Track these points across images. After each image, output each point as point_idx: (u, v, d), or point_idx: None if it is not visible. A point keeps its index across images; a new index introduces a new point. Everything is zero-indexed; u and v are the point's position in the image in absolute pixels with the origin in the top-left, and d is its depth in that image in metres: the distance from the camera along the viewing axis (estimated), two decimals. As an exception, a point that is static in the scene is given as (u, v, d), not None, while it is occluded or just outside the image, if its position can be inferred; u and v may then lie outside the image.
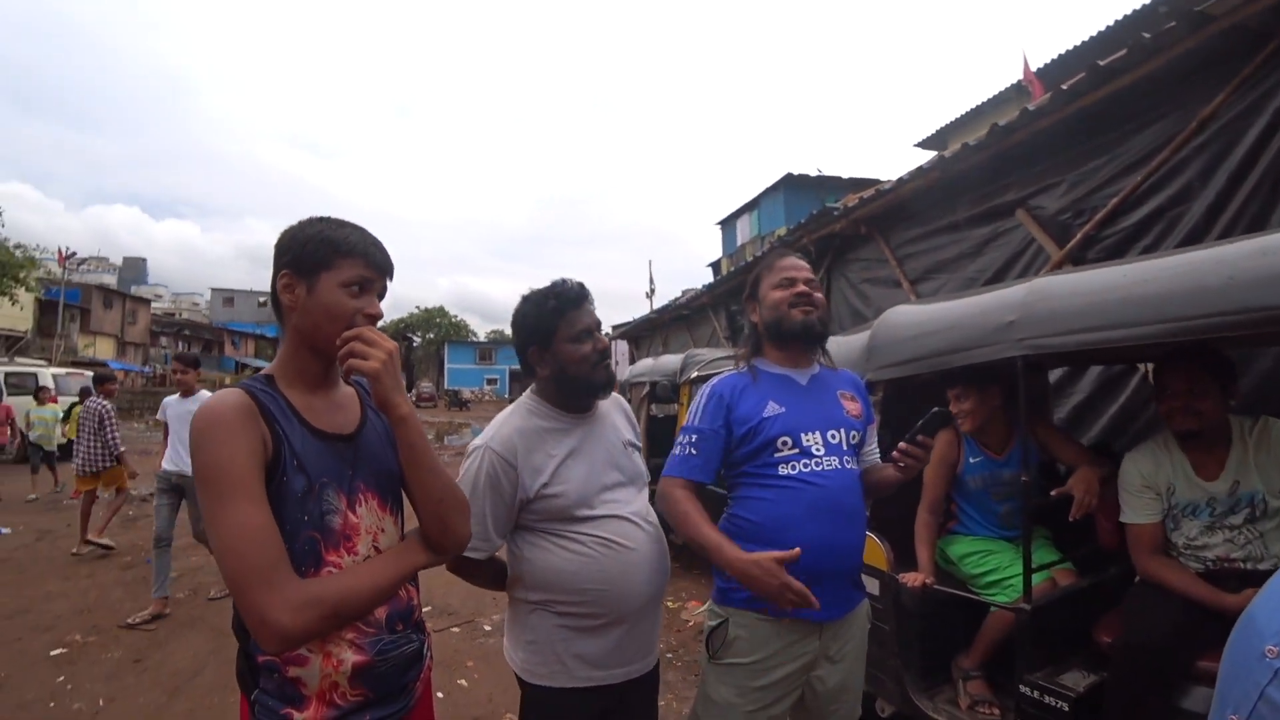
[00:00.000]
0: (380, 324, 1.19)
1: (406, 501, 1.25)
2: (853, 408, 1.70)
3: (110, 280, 50.59)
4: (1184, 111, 3.09)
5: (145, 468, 7.57)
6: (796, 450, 1.58)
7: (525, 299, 1.61)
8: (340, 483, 1.14)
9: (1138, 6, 9.03)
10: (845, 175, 17.40)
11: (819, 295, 1.69)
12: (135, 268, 76.97)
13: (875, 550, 2.45)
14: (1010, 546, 2.42)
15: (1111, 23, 9.54)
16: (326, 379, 1.21)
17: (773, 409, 1.60)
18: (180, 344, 42.96)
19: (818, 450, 1.59)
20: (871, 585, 2.40)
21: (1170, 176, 3.14)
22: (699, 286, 11.35)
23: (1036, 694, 1.93)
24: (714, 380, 1.71)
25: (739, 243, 20.29)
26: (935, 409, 1.60)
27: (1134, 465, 2.05)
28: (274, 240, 1.20)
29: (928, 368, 2.44)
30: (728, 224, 21.42)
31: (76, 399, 9.42)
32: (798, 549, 1.30)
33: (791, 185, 17.73)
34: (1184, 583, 1.87)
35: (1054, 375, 3.64)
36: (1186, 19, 2.86)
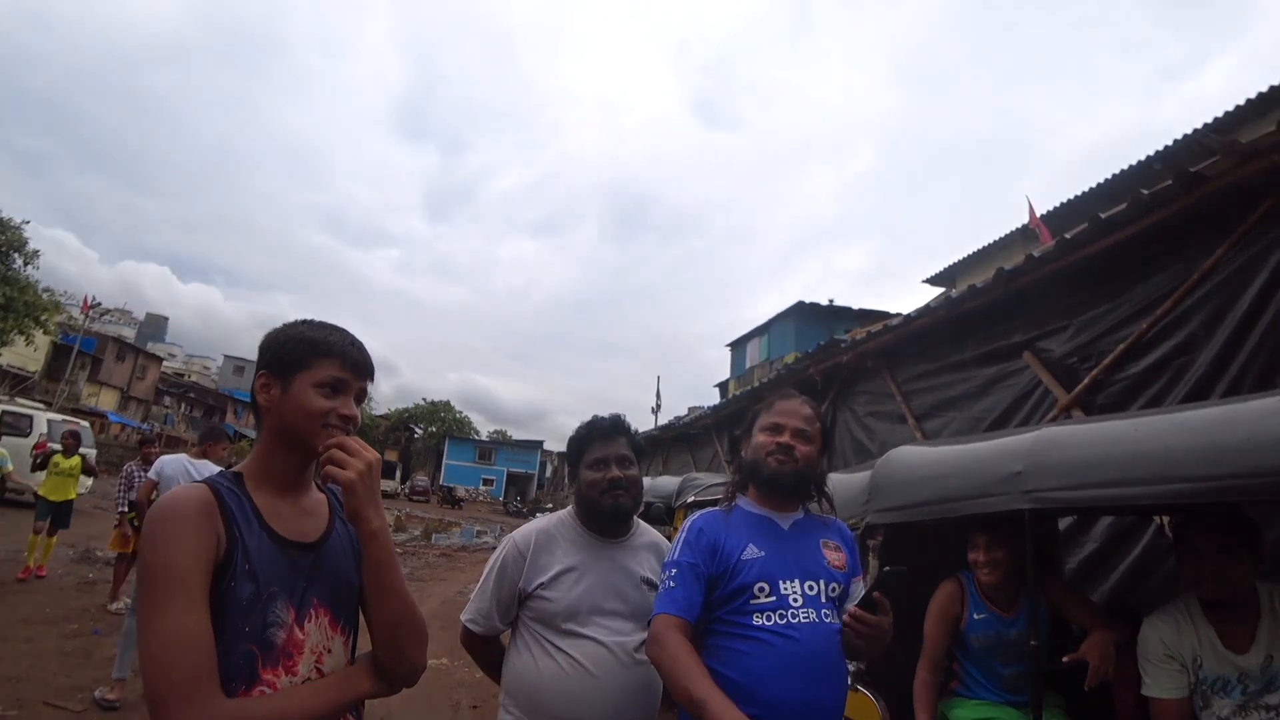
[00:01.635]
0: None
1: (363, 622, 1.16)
2: (835, 558, 1.62)
3: (129, 333, 50.97)
4: (1185, 264, 3.13)
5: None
6: (774, 598, 1.50)
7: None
8: (291, 595, 1.06)
9: (1133, 162, 9.53)
10: (856, 306, 17.84)
11: (803, 449, 1.63)
12: (156, 324, 78.67)
13: (870, 709, 2.22)
14: (1018, 714, 2.18)
15: (1109, 176, 10.02)
16: (298, 483, 1.16)
17: (752, 552, 1.55)
18: (184, 405, 42.93)
19: (795, 600, 1.50)
20: (864, 747, 2.15)
21: (1175, 326, 3.13)
22: (705, 406, 11.33)
23: None
24: (696, 515, 1.68)
25: (748, 365, 20.49)
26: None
27: (1155, 632, 1.87)
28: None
29: (931, 514, 2.33)
30: (738, 346, 21.73)
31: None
32: None
33: (803, 313, 18.15)
34: (1218, 774, 1.65)
35: (1063, 523, 3.47)
36: (1180, 179, 2.94)
